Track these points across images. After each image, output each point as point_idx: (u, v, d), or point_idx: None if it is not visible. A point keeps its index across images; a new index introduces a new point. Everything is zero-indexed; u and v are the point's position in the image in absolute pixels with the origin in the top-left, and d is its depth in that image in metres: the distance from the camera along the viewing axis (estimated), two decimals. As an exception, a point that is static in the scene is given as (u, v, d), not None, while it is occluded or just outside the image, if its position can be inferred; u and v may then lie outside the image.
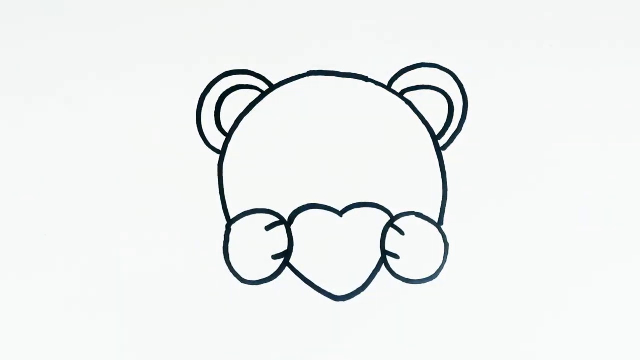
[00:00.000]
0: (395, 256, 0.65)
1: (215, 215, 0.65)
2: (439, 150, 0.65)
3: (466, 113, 0.66)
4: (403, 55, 0.66)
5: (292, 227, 0.65)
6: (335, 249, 0.65)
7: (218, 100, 0.66)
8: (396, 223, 0.65)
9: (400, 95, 0.66)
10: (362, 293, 0.65)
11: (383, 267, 0.65)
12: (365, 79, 0.66)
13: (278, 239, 0.65)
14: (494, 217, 0.65)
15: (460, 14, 0.66)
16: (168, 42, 0.66)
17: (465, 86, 0.66)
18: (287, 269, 0.65)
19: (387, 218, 0.65)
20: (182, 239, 0.65)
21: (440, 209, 0.65)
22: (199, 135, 0.66)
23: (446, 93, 0.66)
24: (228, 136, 0.66)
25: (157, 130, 0.66)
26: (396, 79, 0.66)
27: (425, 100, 0.66)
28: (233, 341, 0.65)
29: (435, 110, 0.66)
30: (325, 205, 0.65)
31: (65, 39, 0.66)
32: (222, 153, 0.66)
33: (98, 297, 0.65)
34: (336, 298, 0.65)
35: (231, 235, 0.65)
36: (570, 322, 0.65)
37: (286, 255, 0.65)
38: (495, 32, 0.66)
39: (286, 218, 0.65)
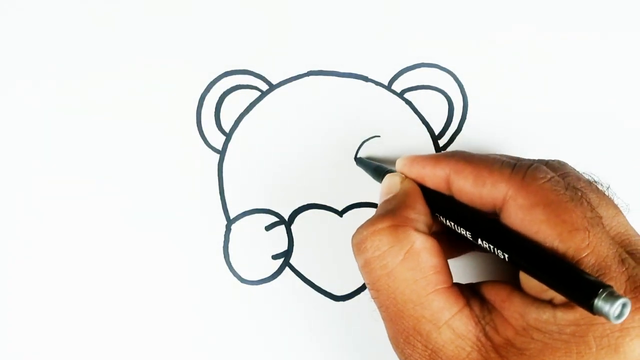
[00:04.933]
0: (395, 256, 0.65)
1: (215, 215, 0.65)
2: (439, 150, 0.65)
3: (466, 113, 0.66)
4: (403, 55, 0.66)
5: (292, 227, 0.65)
6: (335, 249, 0.65)
7: (218, 100, 0.66)
8: (396, 223, 0.65)
9: (400, 95, 0.66)
10: (362, 293, 0.65)
11: (383, 267, 0.65)
12: (365, 79, 0.66)
13: (278, 239, 0.65)
14: (494, 217, 0.65)
15: (460, 13, 0.66)
16: (167, 41, 0.66)
17: (465, 86, 0.65)
18: (287, 269, 0.65)
19: (387, 218, 0.65)
20: (182, 239, 0.65)
21: (441, 209, 0.65)
22: (199, 135, 0.66)
23: (446, 93, 0.65)
24: (228, 136, 0.66)
25: (156, 130, 0.66)
26: (396, 79, 0.66)
27: (425, 100, 0.66)
28: (233, 341, 0.65)
29: (435, 110, 0.66)
30: (325, 205, 0.65)
31: (63, 38, 0.66)
32: (222, 153, 0.66)
33: (96, 297, 0.65)
34: (336, 298, 0.65)
35: (231, 235, 0.65)
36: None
37: (286, 255, 0.65)
38: (496, 32, 0.66)
39: (286, 218, 0.65)
